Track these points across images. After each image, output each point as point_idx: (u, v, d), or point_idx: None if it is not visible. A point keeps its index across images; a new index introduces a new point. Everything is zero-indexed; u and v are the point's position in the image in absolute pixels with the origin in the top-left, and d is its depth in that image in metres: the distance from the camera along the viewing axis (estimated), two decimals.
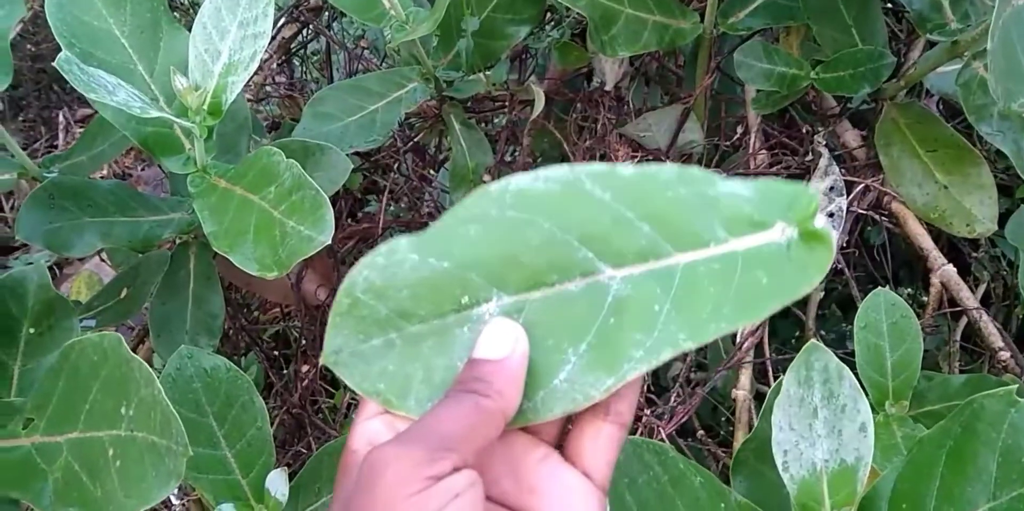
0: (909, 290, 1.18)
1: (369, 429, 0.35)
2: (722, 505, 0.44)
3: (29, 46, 2.05)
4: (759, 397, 0.84)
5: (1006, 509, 0.42)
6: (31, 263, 0.63)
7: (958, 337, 1.03)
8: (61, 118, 1.92)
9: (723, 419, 1.14)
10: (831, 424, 0.44)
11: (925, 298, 0.92)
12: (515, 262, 0.34)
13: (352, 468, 0.34)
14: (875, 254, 1.12)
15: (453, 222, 0.35)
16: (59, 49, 0.59)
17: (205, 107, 0.62)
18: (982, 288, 1.07)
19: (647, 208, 0.34)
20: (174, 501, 1.30)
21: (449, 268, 0.34)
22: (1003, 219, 0.85)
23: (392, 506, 0.31)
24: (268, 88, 1.01)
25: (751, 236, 0.33)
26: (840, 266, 0.84)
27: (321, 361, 0.35)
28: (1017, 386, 0.43)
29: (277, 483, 0.63)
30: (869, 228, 1.15)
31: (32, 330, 0.58)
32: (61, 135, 1.88)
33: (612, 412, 0.35)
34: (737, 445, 0.68)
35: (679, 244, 0.34)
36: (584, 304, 0.34)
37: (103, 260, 0.99)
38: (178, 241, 0.77)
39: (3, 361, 0.58)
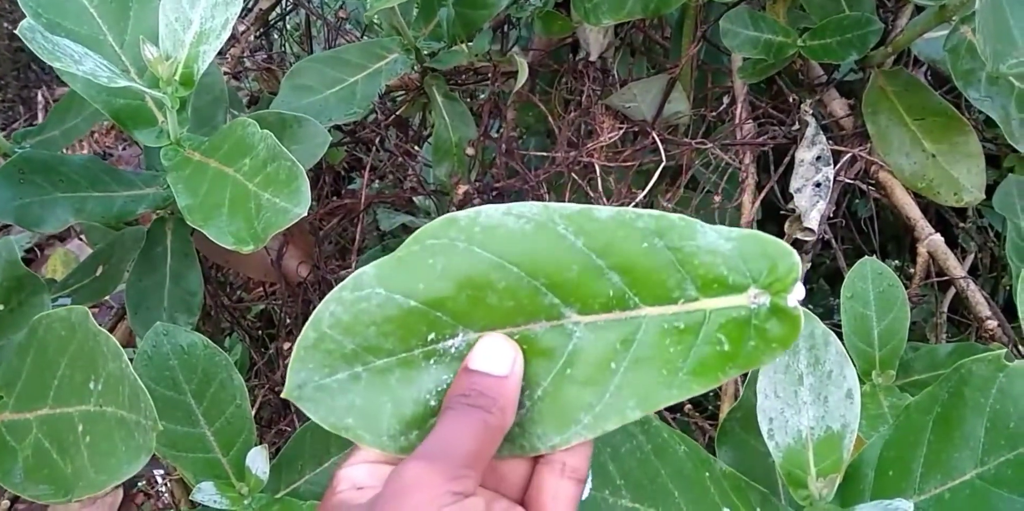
0: (896, 262, 1.17)
1: (354, 474, 0.35)
2: (706, 474, 0.43)
3: (7, 25, 2.01)
4: (745, 375, 0.84)
5: (994, 475, 0.41)
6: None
7: (945, 308, 1.02)
8: (40, 97, 1.90)
9: (711, 394, 1.13)
10: (817, 391, 0.43)
11: (912, 270, 0.91)
12: (481, 303, 0.34)
13: (332, 506, 0.34)
14: (862, 226, 1.11)
15: (419, 251, 0.34)
16: None
17: (176, 77, 0.60)
18: (969, 259, 1.06)
19: (619, 258, 0.34)
20: (160, 480, 1.30)
21: (415, 306, 0.34)
22: (990, 190, 0.84)
23: None
24: (246, 61, 0.99)
25: (722, 298, 0.33)
26: (828, 237, 0.83)
27: (283, 395, 0.35)
28: (1005, 351, 0.43)
29: (257, 460, 0.62)
30: (856, 200, 1.14)
31: (2, 307, 0.57)
32: (40, 115, 1.85)
33: (568, 468, 0.35)
34: (723, 416, 0.67)
35: (647, 298, 0.34)
36: (546, 348, 0.34)
37: (82, 240, 0.98)
38: (154, 217, 0.75)
39: None
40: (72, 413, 0.47)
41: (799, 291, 0.32)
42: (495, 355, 0.34)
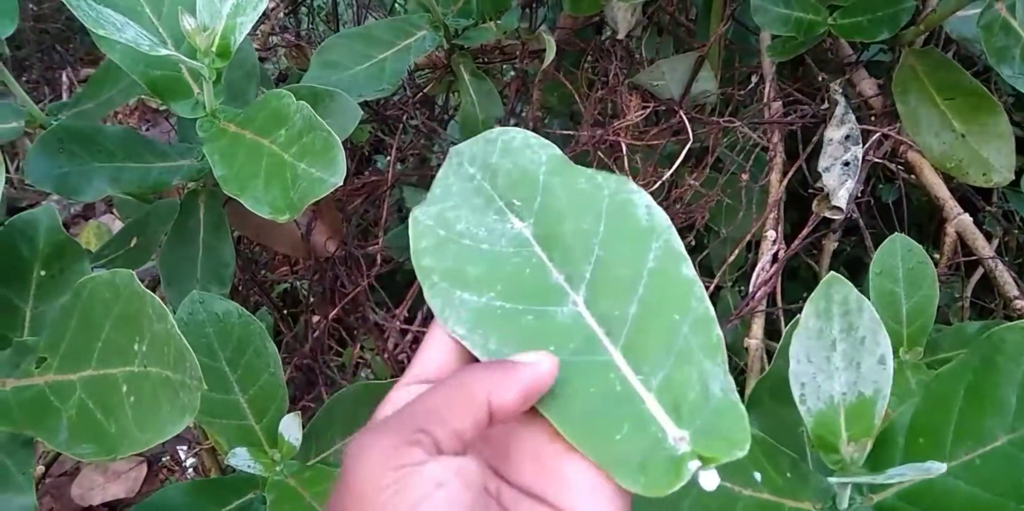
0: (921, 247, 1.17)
1: (402, 397, 0.34)
2: None
3: (32, 6, 2.02)
4: (769, 352, 0.84)
5: None
6: None
7: (970, 292, 1.02)
8: (64, 78, 1.91)
9: (736, 369, 1.13)
10: (849, 356, 0.43)
11: (937, 256, 0.91)
12: None
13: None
14: (886, 213, 1.11)
15: None
16: (60, 9, 0.58)
17: (214, 48, 0.61)
18: (995, 243, 1.06)
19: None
20: (183, 455, 1.32)
21: None
22: (1017, 175, 0.84)
23: (364, 503, 0.29)
24: (275, 38, 1.00)
25: (665, 416, 0.32)
26: (855, 216, 0.83)
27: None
28: None
29: (291, 427, 0.63)
30: (881, 186, 1.14)
31: (43, 273, 0.58)
32: (65, 95, 1.86)
33: None
34: (750, 389, 0.67)
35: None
36: None
37: (113, 213, 0.99)
38: (187, 189, 0.76)
39: (15, 304, 0.57)
40: (116, 374, 0.48)
41: (713, 478, 0.31)
42: (537, 366, 0.33)
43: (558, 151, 0.38)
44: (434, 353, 0.36)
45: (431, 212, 0.37)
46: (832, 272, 0.44)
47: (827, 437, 0.44)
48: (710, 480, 0.31)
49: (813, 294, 0.44)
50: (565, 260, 0.35)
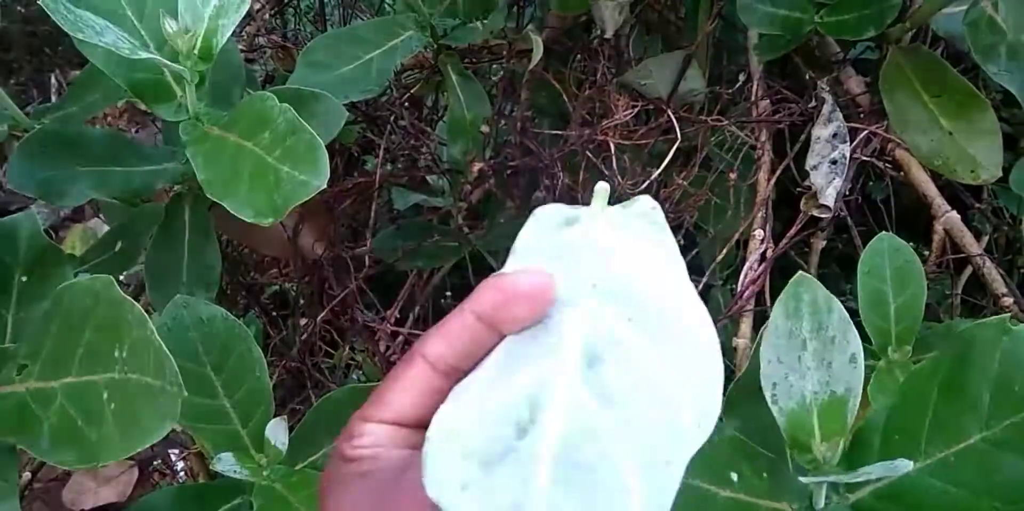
0: (911, 245, 1.17)
1: (373, 435, 0.32)
2: (714, 439, 0.44)
3: (20, 8, 2.01)
4: None
5: (999, 438, 0.41)
6: None
7: (960, 289, 1.02)
8: (53, 81, 1.90)
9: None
10: (820, 356, 0.43)
11: (926, 254, 0.91)
12: None
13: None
14: (876, 212, 1.11)
15: None
16: None
17: (196, 51, 0.61)
18: (984, 241, 1.06)
19: None
20: (174, 459, 1.31)
21: None
22: (1005, 172, 0.84)
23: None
24: (261, 40, 0.99)
25: None
26: (843, 214, 0.83)
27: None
28: (1010, 314, 0.43)
29: (277, 432, 0.63)
30: (871, 183, 1.14)
31: (24, 278, 0.57)
32: (54, 98, 1.86)
33: None
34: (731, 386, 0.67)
35: None
36: None
37: (100, 218, 0.98)
38: (173, 193, 0.76)
39: None
40: (97, 381, 0.47)
41: None
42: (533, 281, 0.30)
43: None
44: (415, 395, 0.32)
45: None
46: (800, 272, 0.44)
47: (800, 437, 0.44)
48: None
49: (782, 294, 0.44)
50: None
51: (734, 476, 0.44)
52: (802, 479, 0.43)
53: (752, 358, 0.50)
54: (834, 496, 0.44)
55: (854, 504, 0.44)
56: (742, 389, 0.50)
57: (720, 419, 0.30)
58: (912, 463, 0.38)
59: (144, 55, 0.55)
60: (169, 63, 0.58)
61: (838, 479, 0.41)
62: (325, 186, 0.56)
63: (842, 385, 0.43)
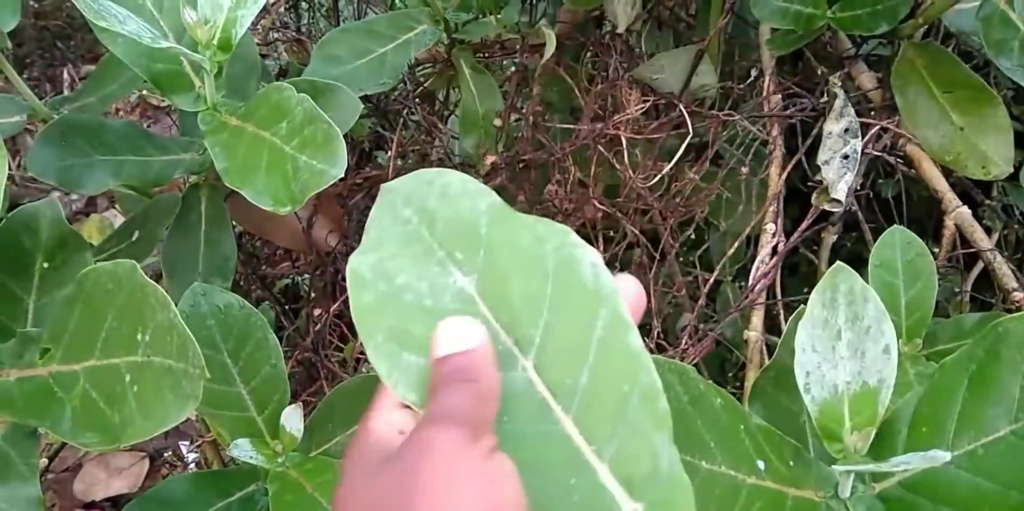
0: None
1: (393, 418, 0.35)
2: (741, 427, 0.44)
3: (32, 3, 2.02)
4: (769, 346, 0.84)
5: None
6: None
7: (969, 286, 1.02)
8: (66, 75, 1.91)
9: (730, 375, 1.14)
10: (854, 346, 0.43)
11: (936, 250, 0.91)
12: None
13: (368, 445, 0.34)
14: (886, 209, 1.11)
15: None
16: (61, 6, 0.58)
17: (215, 42, 0.61)
18: (994, 237, 1.06)
19: None
20: (185, 451, 1.32)
21: None
22: (1016, 169, 0.84)
23: (451, 476, 0.30)
24: (275, 35, 1.00)
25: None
26: (854, 209, 0.83)
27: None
28: None
29: (292, 419, 0.63)
30: (880, 181, 1.14)
31: (46, 264, 0.58)
32: (66, 92, 1.87)
33: None
34: (748, 386, 0.68)
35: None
36: None
37: (115, 208, 0.99)
38: (189, 183, 0.77)
39: (18, 295, 0.57)
40: (119, 364, 0.48)
41: None
42: (455, 334, 0.33)
43: (498, 199, 0.36)
44: None
45: (369, 262, 0.35)
46: (839, 262, 0.44)
47: (831, 426, 0.44)
48: None
49: (819, 284, 0.44)
50: (514, 323, 0.34)
51: (761, 464, 0.45)
52: (835, 468, 0.43)
53: (781, 348, 0.50)
54: (860, 486, 0.45)
55: (880, 494, 0.44)
56: (769, 378, 0.51)
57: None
58: (949, 454, 0.38)
59: (165, 45, 0.55)
60: (189, 52, 0.58)
61: (871, 468, 0.42)
62: (343, 174, 0.57)
63: (875, 376, 0.44)
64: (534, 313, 0.34)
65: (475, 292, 0.35)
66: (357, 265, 0.35)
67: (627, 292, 0.34)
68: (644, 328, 0.83)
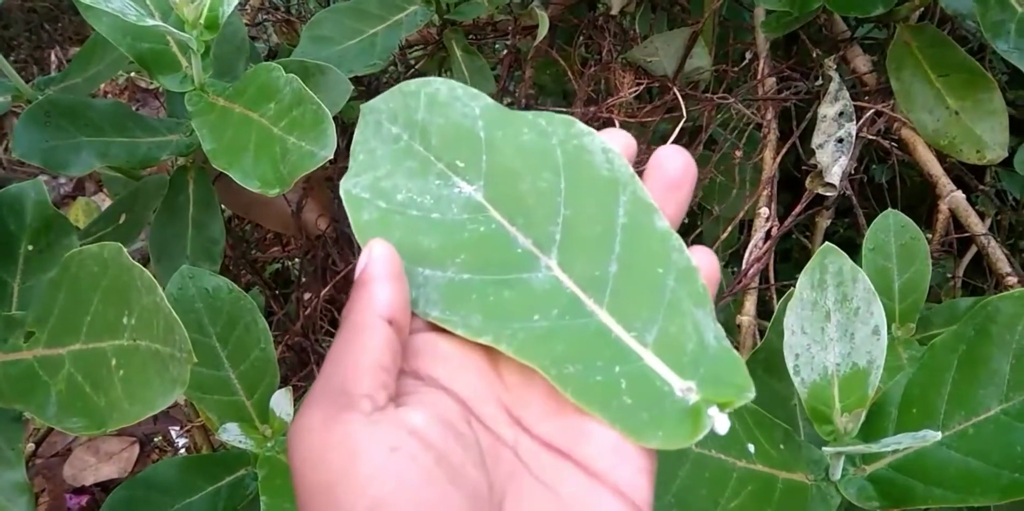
0: None
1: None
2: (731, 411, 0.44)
3: None
4: (762, 331, 0.84)
5: (1018, 411, 0.42)
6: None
7: (962, 271, 1.02)
8: (53, 58, 1.89)
9: None
10: (844, 327, 0.43)
11: (929, 235, 0.91)
12: None
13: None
14: (879, 194, 1.11)
15: None
16: None
17: (202, 20, 0.60)
18: (987, 223, 1.06)
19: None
20: (175, 436, 1.31)
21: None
22: (1010, 154, 0.84)
23: (316, 496, 0.26)
24: (264, 15, 0.99)
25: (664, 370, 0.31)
26: (848, 194, 0.83)
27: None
28: None
29: (282, 403, 0.63)
30: (874, 166, 1.14)
31: (31, 247, 0.57)
32: (54, 74, 1.85)
33: None
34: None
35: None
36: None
37: (104, 192, 0.98)
38: (176, 165, 0.76)
39: (3, 278, 0.57)
40: (105, 348, 0.47)
41: (725, 422, 0.29)
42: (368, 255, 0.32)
43: (491, 100, 0.34)
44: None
45: (363, 183, 0.34)
46: (827, 243, 0.44)
47: (821, 408, 0.44)
48: (723, 424, 0.30)
49: (808, 265, 0.44)
50: (530, 224, 0.33)
51: (751, 447, 0.44)
52: (826, 450, 0.43)
53: (770, 330, 0.50)
54: (850, 468, 0.45)
55: (870, 475, 0.44)
56: (759, 361, 0.51)
57: None
58: (940, 433, 0.38)
59: (151, 22, 0.54)
60: (175, 31, 0.57)
61: (861, 450, 0.42)
62: (332, 156, 0.56)
63: (864, 357, 0.43)
64: (550, 210, 0.33)
65: (483, 199, 0.34)
66: (351, 187, 0.34)
67: (705, 265, 0.32)
68: None
